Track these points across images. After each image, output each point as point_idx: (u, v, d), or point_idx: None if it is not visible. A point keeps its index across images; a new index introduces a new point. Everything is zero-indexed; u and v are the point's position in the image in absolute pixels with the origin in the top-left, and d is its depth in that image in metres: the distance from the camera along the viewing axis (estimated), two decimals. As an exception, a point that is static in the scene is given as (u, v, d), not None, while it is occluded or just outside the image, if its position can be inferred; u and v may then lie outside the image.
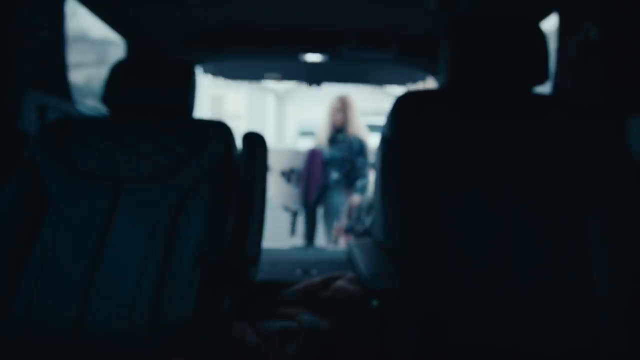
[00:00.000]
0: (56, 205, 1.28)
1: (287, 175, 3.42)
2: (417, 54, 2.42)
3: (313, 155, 3.37)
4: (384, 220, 1.17)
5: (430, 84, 2.83)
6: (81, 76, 2.26)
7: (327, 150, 3.36)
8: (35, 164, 1.33)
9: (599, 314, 1.09)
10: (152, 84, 1.43)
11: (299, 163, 3.40)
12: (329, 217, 3.32)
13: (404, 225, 1.14)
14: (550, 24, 1.77)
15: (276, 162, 3.41)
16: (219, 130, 1.40)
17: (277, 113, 13.06)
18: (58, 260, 1.22)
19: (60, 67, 1.78)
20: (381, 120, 1.32)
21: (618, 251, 1.12)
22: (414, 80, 3.00)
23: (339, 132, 3.38)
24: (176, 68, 1.45)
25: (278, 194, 3.43)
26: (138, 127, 1.41)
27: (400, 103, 1.23)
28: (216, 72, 2.90)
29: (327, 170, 3.31)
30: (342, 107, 3.43)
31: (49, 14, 1.64)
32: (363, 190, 3.18)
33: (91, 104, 2.01)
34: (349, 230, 2.83)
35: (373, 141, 2.94)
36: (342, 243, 3.03)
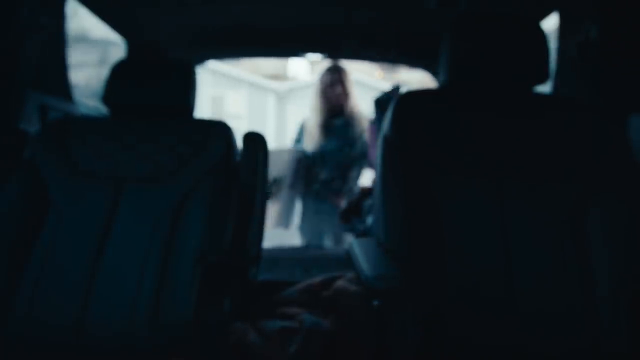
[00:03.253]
0: (56, 205, 1.29)
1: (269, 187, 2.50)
2: (417, 54, 2.41)
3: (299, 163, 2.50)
4: (384, 219, 1.17)
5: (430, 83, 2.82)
6: (82, 76, 2.25)
7: (313, 145, 2.53)
8: (35, 164, 1.33)
9: (599, 313, 1.09)
10: (152, 84, 1.43)
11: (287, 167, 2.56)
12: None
13: (404, 224, 1.14)
14: (550, 24, 1.77)
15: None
16: (220, 130, 1.40)
17: (277, 113, 13.06)
18: (58, 260, 1.23)
19: (60, 67, 1.78)
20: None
21: (619, 250, 1.12)
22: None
23: (334, 115, 2.52)
24: (177, 68, 1.45)
25: None
26: (138, 127, 1.41)
27: (401, 102, 1.24)
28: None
29: (315, 170, 2.52)
30: (340, 79, 2.50)
31: (49, 14, 1.64)
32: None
33: (92, 104, 2.01)
34: (349, 231, 2.68)
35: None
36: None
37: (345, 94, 2.52)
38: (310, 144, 2.57)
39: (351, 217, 2.45)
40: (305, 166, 2.55)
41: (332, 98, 2.52)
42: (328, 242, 2.70)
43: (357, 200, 2.40)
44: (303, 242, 2.74)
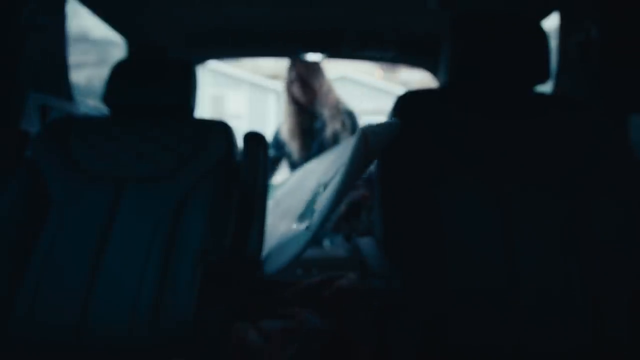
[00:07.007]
0: (57, 206, 1.29)
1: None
2: (418, 54, 2.41)
3: None
4: (384, 219, 1.17)
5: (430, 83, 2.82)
6: (82, 76, 2.25)
7: (296, 157, 2.23)
8: (36, 164, 1.33)
9: (601, 313, 1.09)
10: (153, 84, 1.43)
11: None
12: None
13: (404, 224, 1.14)
14: (550, 24, 1.77)
15: None
16: (220, 130, 1.40)
17: (278, 112, 13.06)
18: (59, 261, 1.23)
19: (61, 67, 1.79)
20: (383, 119, 1.32)
21: (620, 249, 1.13)
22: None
23: (312, 118, 2.21)
24: (177, 68, 1.45)
25: None
26: (139, 127, 1.41)
27: (401, 102, 1.24)
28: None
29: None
30: (298, 72, 2.22)
31: (50, 14, 1.64)
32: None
33: (92, 104, 2.01)
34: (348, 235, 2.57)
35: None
36: None
37: (310, 89, 2.20)
38: (295, 156, 2.34)
39: (350, 218, 2.43)
40: None
41: (297, 97, 2.23)
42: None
43: (358, 203, 2.38)
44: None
